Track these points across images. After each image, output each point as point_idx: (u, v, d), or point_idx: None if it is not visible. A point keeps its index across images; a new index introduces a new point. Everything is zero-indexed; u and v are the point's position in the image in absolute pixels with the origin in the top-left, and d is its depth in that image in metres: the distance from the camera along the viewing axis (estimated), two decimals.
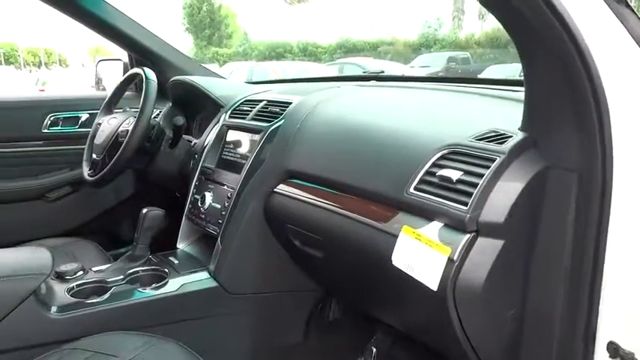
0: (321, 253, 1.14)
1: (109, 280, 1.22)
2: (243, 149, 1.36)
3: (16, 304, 1.03)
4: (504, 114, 0.99)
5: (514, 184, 0.79)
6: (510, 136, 0.84)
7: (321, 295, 1.41)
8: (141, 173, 1.76)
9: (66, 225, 1.88)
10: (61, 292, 1.15)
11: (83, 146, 1.71)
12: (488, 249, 0.79)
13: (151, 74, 1.53)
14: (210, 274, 1.27)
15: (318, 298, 1.41)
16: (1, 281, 1.03)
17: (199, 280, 1.26)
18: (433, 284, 0.80)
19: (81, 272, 1.23)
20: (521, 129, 0.85)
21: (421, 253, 0.83)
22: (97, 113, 1.74)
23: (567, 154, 0.77)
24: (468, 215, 0.79)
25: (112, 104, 1.70)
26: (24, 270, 1.05)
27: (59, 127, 1.90)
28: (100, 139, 1.59)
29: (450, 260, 0.79)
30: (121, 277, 1.23)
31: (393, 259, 0.88)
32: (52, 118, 1.88)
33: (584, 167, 0.75)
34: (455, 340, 0.85)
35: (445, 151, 0.89)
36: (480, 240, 0.79)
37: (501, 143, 0.83)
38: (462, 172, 0.84)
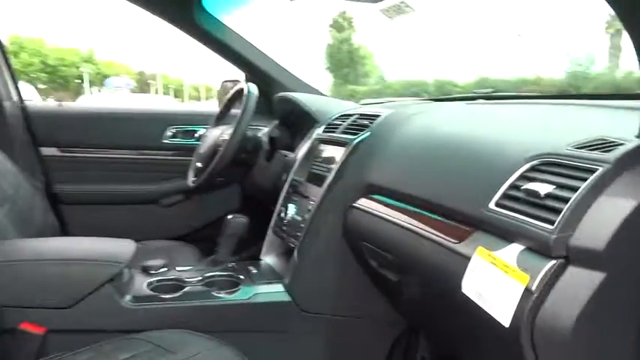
0: (396, 275, 1.03)
1: (186, 279, 1.23)
2: (330, 162, 1.31)
3: (94, 289, 1.08)
4: (618, 122, 0.81)
5: (622, 202, 0.62)
6: (622, 144, 0.67)
7: (405, 329, 1.28)
8: (260, 194, 1.80)
9: (175, 230, 1.98)
10: (140, 284, 1.19)
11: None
12: (581, 282, 0.62)
13: (253, 89, 1.56)
14: (284, 288, 1.23)
15: (402, 332, 1.28)
16: (82, 264, 1.09)
17: (272, 292, 1.22)
18: (505, 319, 0.66)
19: (165, 269, 1.27)
20: (639, 136, 0.68)
21: (495, 280, 0.69)
22: (202, 137, 1.84)
23: None
24: (554, 236, 0.63)
25: (219, 118, 1.77)
26: (104, 257, 1.11)
27: (177, 139, 2.03)
28: (202, 148, 1.66)
29: (528, 291, 0.64)
30: (199, 278, 1.24)
31: (462, 285, 0.75)
32: (171, 130, 2.02)
33: None
34: None
35: (536, 162, 0.74)
36: (571, 269, 0.63)
37: (608, 151, 0.67)
38: (555, 186, 0.68)
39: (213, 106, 2.36)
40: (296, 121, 1.74)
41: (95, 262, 1.10)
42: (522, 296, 0.64)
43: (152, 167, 2.01)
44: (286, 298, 1.20)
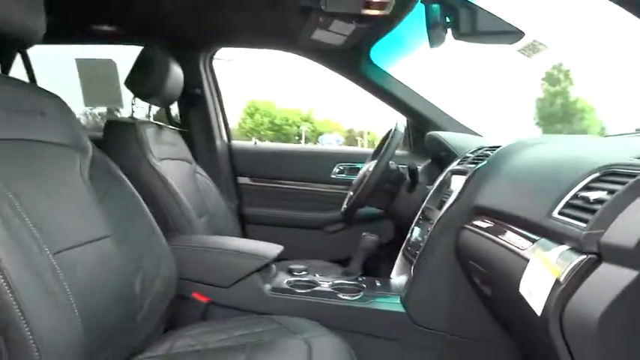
0: (489, 289, 1.08)
1: (319, 282, 1.45)
2: (455, 190, 1.41)
3: (245, 275, 1.37)
4: None
5: None
6: None
7: (521, 354, 1.26)
8: (402, 223, 1.97)
9: (335, 254, 2.23)
10: (282, 279, 1.45)
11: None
12: (611, 278, 0.64)
13: (400, 127, 1.75)
14: (400, 300, 1.34)
15: (520, 357, 1.26)
16: (239, 256, 1.40)
17: (388, 302, 1.35)
18: (538, 308, 0.70)
19: (305, 272, 1.51)
20: None
21: (537, 275, 0.74)
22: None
23: None
24: (585, 233, 0.67)
25: (375, 154, 2.00)
26: (255, 252, 1.40)
27: (343, 175, 2.32)
28: (355, 180, 1.90)
29: (557, 282, 0.68)
30: (329, 283, 1.45)
31: (520, 286, 0.80)
32: (339, 167, 2.32)
33: None
34: None
35: (599, 173, 0.77)
36: (603, 266, 0.66)
37: None
38: (606, 192, 0.71)
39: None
40: (445, 157, 1.86)
41: (249, 254, 1.40)
42: (552, 287, 0.68)
43: (321, 198, 2.33)
44: (400, 309, 1.32)
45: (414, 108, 2.15)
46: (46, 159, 1.06)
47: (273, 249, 1.45)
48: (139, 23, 2.01)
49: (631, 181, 0.67)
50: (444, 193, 1.51)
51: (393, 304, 1.34)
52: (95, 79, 2.33)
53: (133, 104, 1.82)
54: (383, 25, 1.73)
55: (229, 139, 2.45)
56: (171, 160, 1.83)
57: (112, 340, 1.02)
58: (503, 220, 1.02)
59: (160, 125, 1.89)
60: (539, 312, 0.70)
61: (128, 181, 1.30)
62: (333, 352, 1.09)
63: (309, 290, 1.39)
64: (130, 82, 1.76)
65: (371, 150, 2.52)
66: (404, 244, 1.57)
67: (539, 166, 1.04)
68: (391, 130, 1.77)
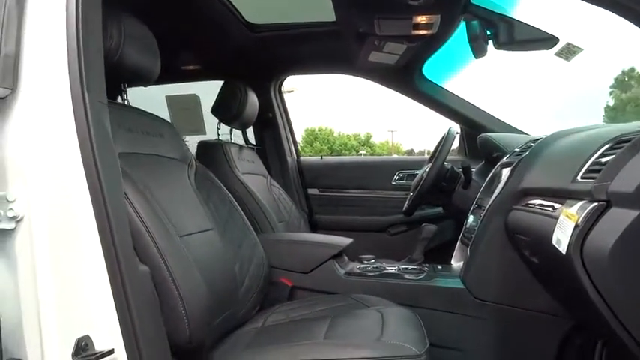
0: (536, 257, 1.24)
1: (386, 267, 1.66)
2: (504, 179, 1.58)
3: (322, 262, 1.61)
4: None
5: None
6: None
7: (571, 325, 1.39)
8: (460, 217, 2.15)
9: (398, 255, 2.42)
10: (354, 266, 1.68)
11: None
12: (618, 218, 0.82)
13: (452, 131, 1.95)
14: (460, 278, 1.52)
15: (570, 326, 1.39)
16: (317, 245, 1.65)
17: (449, 280, 1.54)
18: (563, 248, 0.89)
19: (373, 261, 1.73)
20: None
21: (564, 228, 0.92)
22: None
23: None
24: (595, 185, 0.85)
25: (432, 158, 2.20)
26: (331, 242, 1.64)
27: (403, 181, 2.53)
28: (415, 180, 2.10)
29: (576, 226, 0.86)
30: (395, 267, 1.65)
31: (552, 239, 0.98)
32: (399, 174, 2.54)
33: None
34: (600, 316, 0.86)
35: (611, 143, 0.95)
36: (612, 210, 0.84)
37: None
38: (613, 155, 0.89)
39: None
40: (496, 157, 2.03)
41: (325, 244, 1.65)
42: (572, 231, 0.87)
43: (383, 203, 2.54)
44: (460, 285, 1.50)
45: (466, 115, 2.34)
46: (167, 169, 1.37)
47: (345, 239, 1.68)
48: (218, 60, 2.36)
49: (628, 143, 0.85)
50: (495, 184, 1.69)
51: (452, 281, 1.53)
52: (182, 111, 2.69)
53: (218, 128, 2.14)
54: (432, 43, 1.96)
55: (298, 155, 2.73)
56: (251, 175, 2.12)
57: (224, 307, 1.29)
58: (542, 195, 1.20)
59: (240, 145, 2.20)
60: (564, 252, 0.88)
61: (225, 188, 1.59)
62: (402, 318, 1.30)
63: (378, 273, 1.61)
64: (216, 110, 2.09)
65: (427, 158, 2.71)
66: (461, 232, 1.75)
67: (569, 147, 1.22)
68: (444, 134, 1.97)
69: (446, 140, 1.91)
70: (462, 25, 1.77)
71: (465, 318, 1.48)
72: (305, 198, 2.63)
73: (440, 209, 2.31)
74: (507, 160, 1.67)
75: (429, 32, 1.75)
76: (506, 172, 1.62)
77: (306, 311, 1.44)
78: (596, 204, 0.85)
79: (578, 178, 0.98)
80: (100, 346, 0.82)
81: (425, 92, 2.36)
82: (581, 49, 1.58)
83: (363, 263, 1.71)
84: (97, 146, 0.84)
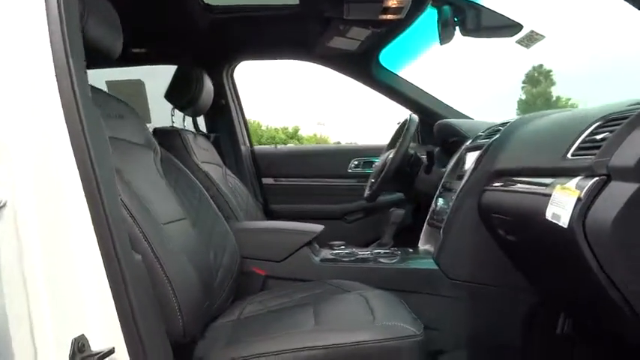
0: (514, 236, 1.28)
1: (359, 253, 1.65)
2: (472, 162, 1.62)
3: (296, 249, 1.57)
4: None
5: None
6: None
7: (537, 298, 1.45)
8: (414, 211, 2.18)
9: (355, 242, 2.42)
10: (326, 253, 1.65)
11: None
12: (618, 192, 0.86)
13: (414, 117, 1.97)
14: (433, 259, 1.55)
15: (536, 301, 1.46)
16: (290, 233, 1.60)
17: (423, 262, 1.56)
18: (565, 222, 0.91)
19: (343, 247, 1.71)
20: None
21: (563, 202, 0.95)
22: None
23: None
24: (596, 160, 0.89)
25: (390, 145, 2.21)
26: (303, 229, 1.60)
27: (359, 168, 2.54)
28: (376, 166, 2.11)
29: (579, 200, 0.89)
30: (368, 252, 1.65)
31: (546, 213, 1.01)
32: (355, 162, 2.54)
33: None
34: (602, 289, 0.90)
35: (601, 122, 0.99)
36: (613, 183, 0.87)
37: None
38: (607, 132, 0.93)
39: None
40: (452, 142, 2.08)
41: (298, 231, 1.60)
42: (575, 204, 0.90)
43: (339, 191, 2.54)
44: (433, 266, 1.52)
45: (420, 103, 2.38)
46: (136, 155, 1.26)
47: (317, 226, 1.65)
48: (169, 44, 2.22)
49: (626, 120, 0.88)
50: (460, 168, 1.73)
51: (426, 263, 1.55)
52: (125, 98, 2.52)
53: (172, 115, 2.02)
54: (395, 30, 1.97)
55: (251, 144, 2.66)
56: (208, 164, 2.03)
57: (202, 298, 1.21)
58: (523, 174, 1.23)
59: (195, 133, 2.10)
60: (566, 225, 0.91)
61: (191, 174, 1.50)
62: (387, 300, 1.29)
63: (353, 258, 1.59)
64: (170, 95, 1.97)
65: (382, 144, 2.74)
66: (428, 215, 1.78)
67: (548, 128, 1.27)
68: (406, 120, 2.00)
69: (409, 126, 1.93)
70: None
71: (439, 298, 1.51)
72: (260, 187, 2.57)
73: (395, 195, 2.34)
74: (472, 144, 1.72)
75: (397, 17, 1.75)
76: (471, 156, 1.66)
77: (284, 300, 1.39)
78: (597, 178, 0.88)
79: (569, 155, 1.02)
80: (97, 345, 0.74)
81: (381, 80, 2.37)
82: (543, 37, 1.64)
83: (333, 249, 1.69)
84: (85, 119, 0.75)
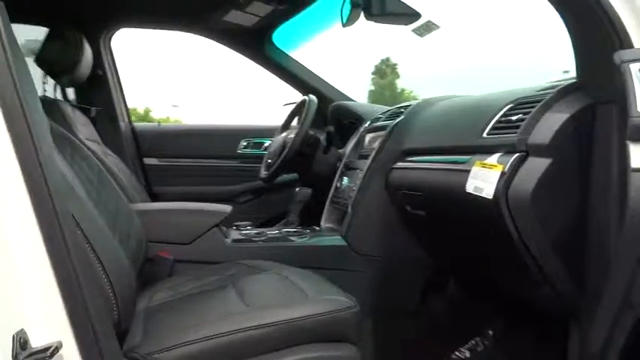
0: (424, 211, 1.39)
1: (267, 232, 1.63)
2: (375, 143, 1.70)
3: (205, 231, 1.50)
4: None
5: (560, 115, 0.99)
6: (562, 82, 1.04)
7: (434, 268, 1.59)
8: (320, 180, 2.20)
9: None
10: (235, 234, 1.60)
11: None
12: (536, 166, 0.98)
13: (314, 98, 1.99)
14: (341, 236, 1.60)
15: (432, 271, 1.60)
16: (198, 214, 1.52)
17: (332, 239, 1.60)
18: (489, 193, 1.01)
19: (250, 227, 1.68)
20: (575, 77, 1.04)
21: (484, 176, 1.05)
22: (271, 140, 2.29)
23: (608, 92, 0.94)
24: (518, 137, 1.00)
25: (285, 126, 2.21)
26: (213, 209, 1.53)
27: (249, 149, 2.49)
28: (272, 147, 2.09)
29: (503, 174, 1.00)
30: (277, 231, 1.64)
31: (466, 187, 1.11)
32: (244, 142, 2.49)
33: (620, 99, 0.91)
34: (520, 260, 1.02)
35: (513, 104, 1.11)
36: (531, 159, 0.99)
37: (555, 87, 1.04)
38: (522, 114, 1.05)
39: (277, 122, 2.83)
40: (347, 124, 2.15)
41: (206, 212, 1.53)
42: (499, 178, 1.00)
43: (229, 172, 2.47)
44: (342, 243, 1.57)
45: (311, 85, 2.41)
46: None
47: (225, 207, 1.59)
48: (40, 2, 1.92)
49: (540, 103, 1.01)
50: (360, 148, 1.80)
51: (336, 240, 1.59)
52: None
53: (44, 83, 1.77)
54: (294, 8, 1.96)
55: (131, 121, 2.44)
56: (89, 141, 1.82)
57: (133, 285, 1.09)
58: (433, 153, 1.33)
59: (72, 106, 1.87)
60: (490, 196, 1.01)
61: (85, 149, 1.34)
62: (308, 277, 1.30)
63: (263, 238, 1.57)
64: (43, 60, 1.72)
65: (272, 125, 2.73)
66: (330, 194, 1.82)
67: (456, 111, 1.39)
68: (304, 101, 2.01)
69: (309, 106, 1.95)
70: None
71: (348, 273, 1.56)
72: (142, 168, 2.38)
73: (288, 176, 2.36)
74: (372, 126, 1.80)
75: None
76: (372, 136, 1.75)
77: (197, 284, 1.32)
78: (518, 154, 1.00)
79: (484, 134, 1.13)
80: (40, 341, 0.62)
81: (273, 59, 2.35)
82: (437, 27, 1.77)
83: (240, 230, 1.65)
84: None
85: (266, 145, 2.48)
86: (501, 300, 1.53)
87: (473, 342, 1.62)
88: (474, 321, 1.64)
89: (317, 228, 1.71)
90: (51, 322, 0.64)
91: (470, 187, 1.09)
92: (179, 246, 1.48)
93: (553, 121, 0.98)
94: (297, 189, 1.75)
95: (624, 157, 0.87)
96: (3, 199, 0.61)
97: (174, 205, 1.59)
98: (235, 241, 1.54)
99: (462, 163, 1.17)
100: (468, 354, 1.61)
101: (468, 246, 1.28)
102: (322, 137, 2.10)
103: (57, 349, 0.62)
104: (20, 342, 0.60)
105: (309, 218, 1.86)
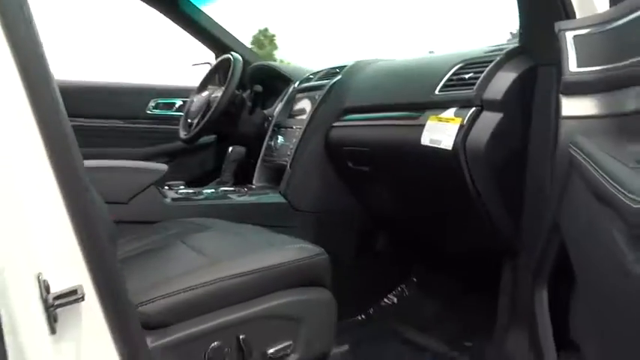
0: (368, 167, 1.45)
1: (204, 191, 1.58)
2: (310, 102, 1.72)
3: (143, 189, 1.41)
4: None
5: (510, 74, 1.11)
6: (509, 46, 1.16)
7: (369, 222, 1.68)
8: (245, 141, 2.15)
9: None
10: (172, 193, 1.53)
11: (177, 127, 2.13)
12: (490, 119, 1.09)
13: (238, 57, 1.93)
14: (280, 193, 1.61)
15: (367, 224, 1.68)
16: (135, 171, 1.42)
17: (272, 195, 1.61)
18: (449, 145, 1.11)
19: (183, 187, 1.61)
20: (518, 42, 1.16)
21: (442, 129, 1.14)
22: (188, 100, 2.19)
23: (549, 54, 1.07)
24: (474, 93, 1.10)
25: (204, 85, 2.12)
26: (150, 167, 1.44)
27: (158, 110, 2.35)
28: (194, 107, 2.00)
29: (461, 126, 1.09)
30: (213, 190, 1.60)
31: (422, 140, 1.19)
32: (154, 103, 2.34)
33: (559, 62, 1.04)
34: (469, 206, 1.13)
35: (462, 63, 1.21)
36: (485, 113, 1.10)
37: (502, 49, 1.15)
38: (473, 72, 1.15)
39: (188, 82, 2.69)
40: (271, 85, 2.12)
41: (144, 169, 1.44)
42: (457, 130, 1.09)
43: (139, 134, 2.30)
44: (282, 200, 1.59)
45: (226, 44, 2.33)
46: None
47: (161, 165, 1.51)
48: None
49: (492, 63, 1.12)
50: (291, 109, 1.81)
51: (275, 197, 1.60)
52: None
53: None
54: None
55: None
56: None
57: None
58: (381, 110, 1.40)
59: None
60: (450, 147, 1.10)
61: None
62: (261, 231, 1.30)
63: (203, 196, 1.52)
64: None
65: (183, 85, 2.60)
66: (262, 154, 1.81)
67: (402, 69, 1.46)
68: (229, 59, 1.95)
69: (235, 65, 1.89)
70: None
71: (287, 230, 1.58)
72: None
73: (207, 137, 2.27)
74: (303, 86, 1.81)
75: None
76: (303, 96, 1.77)
77: (141, 243, 1.25)
78: (474, 108, 1.10)
79: (437, 91, 1.22)
80: (59, 285, 0.57)
81: (189, 16, 2.22)
82: None
83: (176, 190, 1.57)
84: None
85: (178, 105, 2.37)
86: (425, 249, 1.68)
87: (399, 289, 1.77)
88: (400, 269, 1.78)
89: (253, 186, 1.70)
90: (70, 267, 0.58)
91: (425, 140, 1.18)
92: (118, 205, 1.37)
93: (504, 80, 1.10)
94: (231, 148, 1.71)
95: (559, 110, 1.02)
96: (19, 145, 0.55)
97: (105, 162, 1.46)
98: (175, 200, 1.47)
99: (414, 118, 1.25)
100: (395, 300, 1.75)
101: (415, 196, 1.38)
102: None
103: (82, 292, 0.57)
104: (44, 285, 0.54)
105: (242, 178, 1.84)
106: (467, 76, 1.15)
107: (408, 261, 1.76)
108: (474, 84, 1.12)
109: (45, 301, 0.53)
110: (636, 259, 0.57)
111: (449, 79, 1.21)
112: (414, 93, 1.30)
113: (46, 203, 0.58)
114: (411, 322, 1.61)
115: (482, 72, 1.12)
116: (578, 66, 0.91)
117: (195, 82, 2.27)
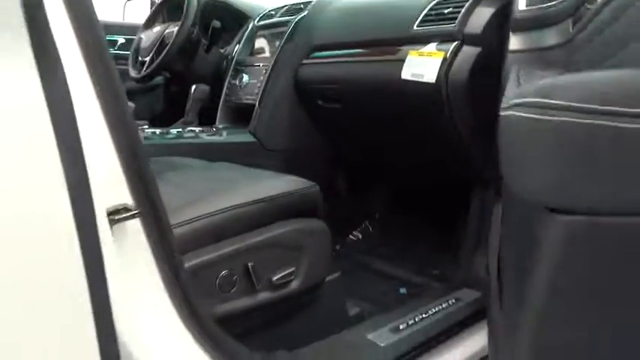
0: (340, 104, 1.47)
1: (171, 130, 1.53)
2: (274, 39, 1.68)
3: None
4: None
5: (488, 9, 1.15)
6: None
7: (338, 160, 1.71)
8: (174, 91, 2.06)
9: None
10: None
11: (121, 66, 1.99)
12: (470, 53, 1.14)
13: None
14: (250, 132, 1.59)
15: (336, 162, 1.72)
16: None
17: (242, 134, 1.59)
18: (432, 78, 1.15)
19: (147, 126, 1.54)
20: None
21: (424, 63, 1.18)
22: (131, 38, 2.05)
23: None
24: (457, 28, 1.14)
25: (152, 21, 2.00)
26: None
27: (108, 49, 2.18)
28: (146, 43, 1.89)
29: (444, 59, 1.14)
30: (180, 129, 1.55)
31: (402, 75, 1.22)
32: None
33: None
34: (447, 137, 1.19)
35: (436, 1, 1.24)
36: (465, 47, 1.14)
37: None
38: (452, 7, 1.19)
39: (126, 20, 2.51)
40: (225, 22, 2.03)
41: None
42: (441, 64, 1.14)
43: None
44: (252, 139, 1.58)
45: None
46: None
47: (129, 103, 1.42)
48: None
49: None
50: (254, 44, 1.76)
51: (244, 136, 1.58)
52: None
53: None
54: None
55: None
56: None
57: None
58: (353, 46, 1.41)
59: None
60: (433, 80, 1.14)
61: None
62: (234, 167, 1.29)
63: (173, 134, 1.47)
64: None
65: (123, 22, 2.43)
66: (223, 94, 1.76)
67: (373, 5, 1.46)
68: None
69: (190, 0, 1.80)
70: None
71: (258, 168, 1.59)
72: None
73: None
74: (265, 23, 1.76)
75: None
76: (266, 33, 1.73)
77: None
78: (456, 42, 1.14)
79: (415, 27, 1.24)
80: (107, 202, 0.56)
81: None
82: None
83: (143, 130, 1.50)
84: None
85: (120, 43, 2.23)
86: (391, 181, 1.76)
87: (363, 225, 1.84)
88: (365, 207, 1.85)
89: (220, 126, 1.66)
90: (119, 186, 0.57)
91: (407, 75, 1.21)
92: None
93: (483, 15, 1.14)
94: (194, 87, 1.64)
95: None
96: None
97: None
98: (145, 139, 1.41)
99: (392, 53, 1.27)
100: (360, 236, 1.82)
101: (389, 130, 1.42)
102: None
103: (135, 210, 0.57)
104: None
105: (206, 118, 1.78)
106: (446, 11, 1.18)
107: (373, 199, 1.83)
108: (455, 18, 1.15)
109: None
110: None
111: (427, 14, 1.24)
112: (390, 28, 1.32)
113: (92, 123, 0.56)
114: (376, 255, 1.69)
115: (462, 6, 1.16)
116: (527, 5, 0.99)
117: (131, 19, 2.14)
